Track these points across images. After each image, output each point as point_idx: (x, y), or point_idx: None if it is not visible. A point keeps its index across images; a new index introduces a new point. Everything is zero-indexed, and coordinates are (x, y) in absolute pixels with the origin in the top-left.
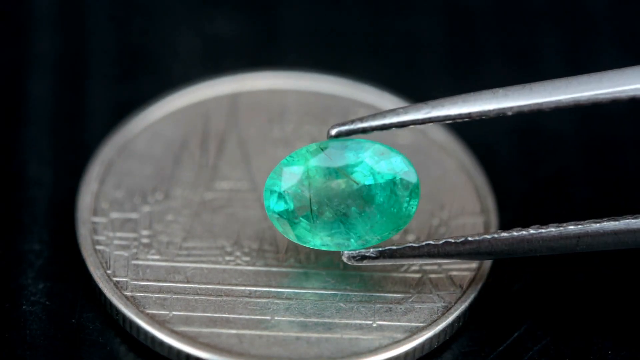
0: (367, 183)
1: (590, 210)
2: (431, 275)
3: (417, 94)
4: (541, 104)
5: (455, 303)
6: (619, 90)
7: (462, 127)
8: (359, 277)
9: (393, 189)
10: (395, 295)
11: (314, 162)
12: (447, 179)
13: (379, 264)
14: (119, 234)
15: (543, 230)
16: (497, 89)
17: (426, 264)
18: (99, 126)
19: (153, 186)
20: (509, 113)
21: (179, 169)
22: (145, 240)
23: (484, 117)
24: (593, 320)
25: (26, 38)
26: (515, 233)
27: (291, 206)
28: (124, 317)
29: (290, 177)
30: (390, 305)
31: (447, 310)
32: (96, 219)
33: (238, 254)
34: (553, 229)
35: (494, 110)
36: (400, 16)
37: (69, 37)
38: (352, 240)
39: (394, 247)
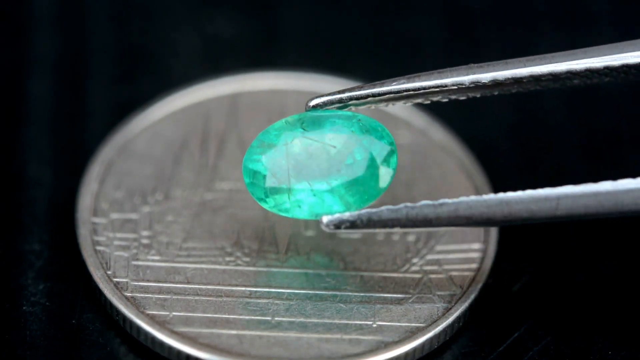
0: (345, 153)
1: None
2: (431, 275)
3: None
4: (515, 73)
5: (456, 303)
6: (591, 60)
7: (461, 128)
8: (359, 278)
9: (372, 157)
10: (395, 295)
11: (291, 133)
12: (447, 179)
13: (358, 230)
14: (119, 235)
15: (521, 193)
16: (473, 64)
17: (426, 265)
18: (99, 126)
19: (153, 186)
20: (485, 81)
21: (179, 169)
22: (145, 241)
23: (459, 87)
24: (593, 321)
25: (26, 38)
26: (493, 196)
27: (270, 178)
28: (124, 318)
29: (268, 149)
30: (390, 306)
31: (447, 310)
32: (96, 220)
33: (238, 254)
34: (531, 191)
35: (468, 79)
36: (400, 16)
37: (69, 37)
38: (331, 209)
39: (372, 211)
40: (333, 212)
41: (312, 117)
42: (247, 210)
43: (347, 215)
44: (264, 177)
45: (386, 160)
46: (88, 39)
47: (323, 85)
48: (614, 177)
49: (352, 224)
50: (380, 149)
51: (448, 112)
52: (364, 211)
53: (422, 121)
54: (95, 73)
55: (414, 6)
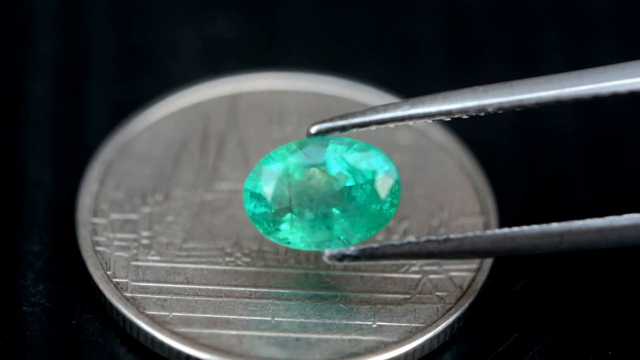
0: (347, 182)
1: (591, 210)
2: (431, 276)
3: (417, 94)
4: (521, 100)
5: (455, 304)
6: (600, 86)
7: (461, 128)
8: (359, 278)
9: (374, 187)
10: (395, 296)
11: (293, 160)
12: (447, 180)
13: (361, 263)
14: (119, 235)
15: (526, 228)
16: (477, 86)
17: (426, 265)
18: (99, 127)
19: (153, 187)
20: (490, 110)
21: (178, 170)
22: (145, 241)
23: (464, 114)
24: (593, 321)
25: (26, 38)
26: (497, 231)
27: (271, 207)
28: (124, 318)
29: (270, 177)
30: (390, 306)
31: (447, 311)
32: (96, 220)
33: (238, 254)
34: (536, 227)
35: (473, 107)
36: (401, 17)
37: (69, 38)
38: (333, 239)
39: (375, 246)
40: (334, 242)
41: (314, 143)
42: None
43: (350, 249)
44: (265, 203)
45: (389, 189)
46: (88, 39)
47: (323, 86)
48: (615, 179)
49: (355, 258)
50: (382, 178)
51: None
52: (367, 246)
53: (422, 122)
54: (95, 73)
55: (414, 6)
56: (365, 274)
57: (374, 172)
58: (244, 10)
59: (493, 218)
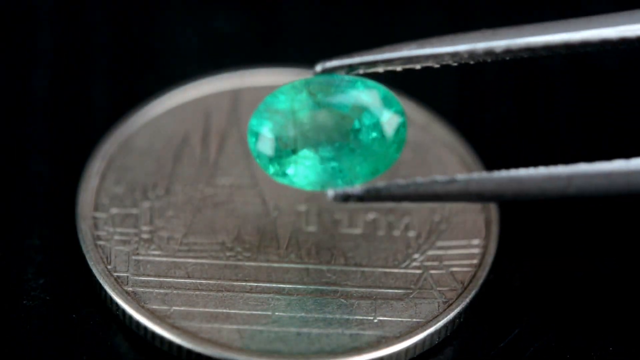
0: (354, 122)
1: (591, 207)
2: (432, 271)
3: (417, 92)
4: (529, 42)
5: (456, 299)
6: (608, 30)
7: (463, 123)
8: (360, 273)
9: (380, 128)
10: (396, 291)
11: (299, 98)
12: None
13: (365, 204)
14: (119, 230)
15: (532, 171)
16: (485, 29)
17: (427, 260)
18: (100, 122)
19: (154, 182)
20: (497, 51)
21: (179, 165)
22: (145, 236)
23: (472, 59)
24: (594, 316)
25: (27, 34)
26: (504, 173)
27: (277, 146)
28: (125, 313)
29: (275, 115)
30: (391, 301)
31: (448, 306)
32: (97, 215)
33: (239, 249)
34: (543, 169)
35: (482, 48)
36: (401, 14)
37: (70, 33)
38: (339, 179)
39: (380, 186)
40: (339, 183)
41: (320, 81)
42: (247, 205)
43: (354, 188)
44: (270, 141)
45: (396, 129)
46: (89, 35)
47: None
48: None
49: (360, 198)
50: (389, 118)
51: (449, 108)
52: (372, 185)
53: (424, 117)
54: (97, 68)
55: (415, 2)
56: (366, 269)
57: (381, 112)
58: (245, 6)
59: (494, 214)
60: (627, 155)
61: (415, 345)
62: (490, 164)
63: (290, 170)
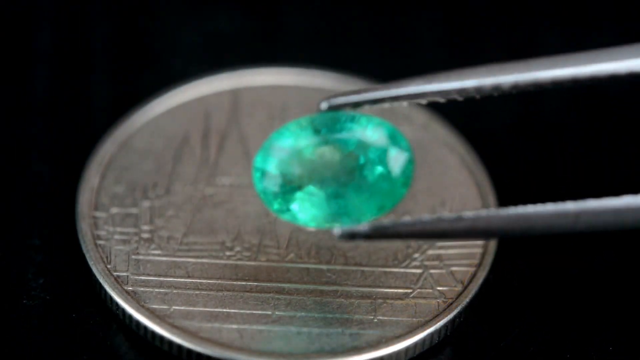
0: (359, 159)
1: None
2: (432, 270)
3: None
4: (537, 78)
5: (456, 299)
6: (617, 65)
7: (463, 123)
8: (359, 273)
9: (386, 165)
10: (396, 290)
11: (304, 137)
12: (449, 175)
13: (371, 242)
14: (119, 229)
15: (541, 207)
16: (492, 64)
17: (427, 260)
18: (100, 121)
19: (154, 181)
20: (505, 88)
21: (179, 165)
22: (145, 235)
23: (479, 93)
24: (594, 316)
25: (27, 33)
26: (512, 210)
27: (282, 185)
28: (125, 312)
29: (280, 153)
30: (391, 301)
31: (448, 306)
32: (97, 214)
33: (239, 249)
34: (551, 206)
35: (489, 83)
36: (401, 12)
37: (70, 32)
38: (344, 217)
39: (386, 225)
40: (344, 219)
41: (325, 118)
42: (247, 205)
43: (361, 227)
44: (275, 178)
45: (402, 166)
46: (89, 34)
47: (324, 82)
48: (617, 178)
49: (367, 236)
50: (395, 154)
51: (449, 107)
52: (378, 223)
53: (424, 116)
54: (96, 68)
55: (415, 1)
56: (366, 269)
57: (386, 150)
58: (245, 6)
59: None
60: (636, 190)
61: (415, 345)
62: (490, 164)
63: (294, 206)
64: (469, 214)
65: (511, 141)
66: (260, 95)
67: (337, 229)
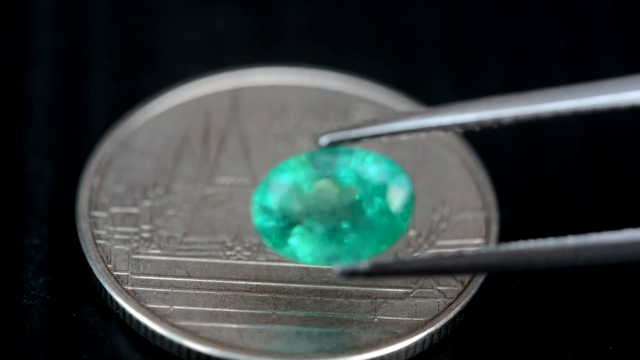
0: (358, 195)
1: (592, 206)
2: None
3: (417, 90)
4: (538, 112)
5: (457, 298)
6: (618, 98)
7: None
8: None
9: (385, 201)
10: (396, 290)
11: (303, 172)
12: (449, 175)
13: (373, 279)
14: (119, 229)
15: (541, 243)
16: (493, 97)
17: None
18: (100, 121)
19: (154, 181)
20: (506, 121)
21: (179, 164)
22: (145, 235)
23: (479, 127)
24: (595, 316)
25: (26, 33)
26: (512, 246)
27: (280, 220)
28: (125, 312)
29: (279, 189)
30: (391, 301)
31: (448, 305)
32: (97, 214)
33: (239, 248)
34: (551, 242)
35: (490, 118)
36: (401, 12)
37: (70, 33)
38: (343, 254)
39: (387, 262)
40: (343, 256)
41: (323, 155)
42: (247, 204)
43: (361, 265)
44: (274, 214)
45: (402, 201)
46: (89, 34)
47: (324, 81)
48: (616, 175)
49: (367, 274)
50: (395, 190)
51: None
52: (378, 261)
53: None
54: (96, 68)
55: (415, 1)
56: None
57: (385, 185)
58: (245, 5)
59: (494, 213)
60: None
61: (415, 345)
62: (490, 164)
63: (293, 241)
64: (469, 251)
65: (511, 141)
66: (260, 95)
67: (337, 267)
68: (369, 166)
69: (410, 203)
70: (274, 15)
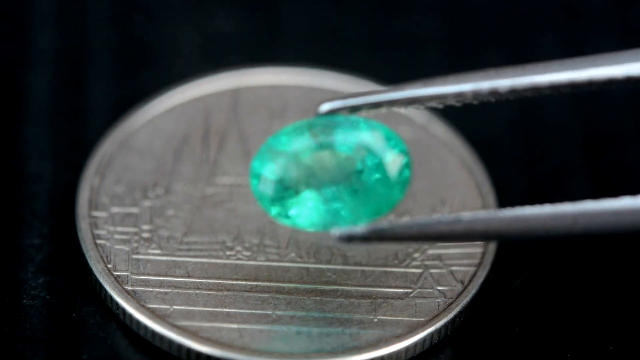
0: (356, 163)
1: None
2: (432, 270)
3: None
4: (534, 82)
5: (457, 298)
6: (614, 69)
7: (462, 122)
8: (360, 272)
9: (383, 169)
10: (396, 290)
11: (301, 141)
12: (448, 175)
13: (370, 244)
14: (119, 229)
15: (538, 209)
16: (489, 69)
17: (427, 260)
18: (100, 121)
19: (154, 181)
20: (502, 91)
21: (179, 164)
22: (145, 235)
23: (476, 99)
24: (595, 316)
25: (26, 33)
26: (509, 212)
27: (279, 188)
28: (125, 312)
29: (278, 157)
30: (392, 301)
31: (448, 305)
32: (96, 214)
33: (239, 248)
34: (549, 208)
35: (487, 88)
36: (401, 12)
37: (70, 32)
38: (341, 221)
39: (384, 227)
40: (342, 224)
41: (322, 122)
42: (247, 204)
43: (358, 229)
44: (272, 183)
45: (399, 170)
46: (89, 34)
47: (324, 81)
48: (616, 174)
49: (364, 238)
50: (392, 158)
51: (449, 107)
52: (376, 226)
53: (423, 116)
54: (96, 68)
55: (415, 2)
56: (366, 268)
57: (384, 153)
58: (245, 5)
59: None
60: (634, 191)
61: (415, 345)
62: (490, 164)
63: (292, 212)
64: (466, 215)
65: (511, 141)
66: (260, 95)
67: (334, 231)
68: (368, 135)
69: (408, 172)
70: (274, 15)
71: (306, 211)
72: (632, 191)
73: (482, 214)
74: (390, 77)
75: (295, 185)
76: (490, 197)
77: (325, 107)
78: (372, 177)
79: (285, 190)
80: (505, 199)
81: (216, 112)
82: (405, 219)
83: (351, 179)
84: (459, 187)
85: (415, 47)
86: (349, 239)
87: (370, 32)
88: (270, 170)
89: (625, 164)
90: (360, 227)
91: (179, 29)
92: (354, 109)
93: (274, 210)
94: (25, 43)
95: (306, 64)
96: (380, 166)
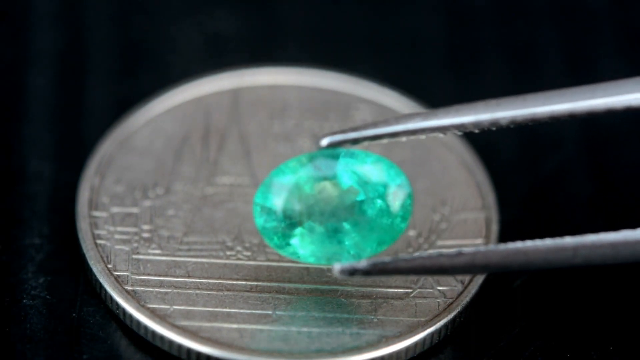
0: (358, 196)
1: (591, 206)
2: None
3: (417, 90)
4: (535, 113)
5: (457, 299)
6: (613, 100)
7: None
8: None
9: (385, 201)
10: (396, 290)
11: (304, 173)
12: (448, 175)
13: (372, 277)
14: (119, 229)
15: (539, 242)
16: (490, 99)
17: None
18: (100, 121)
19: (154, 181)
20: (503, 123)
21: (179, 164)
22: (146, 235)
23: (477, 128)
24: (595, 316)
25: (26, 33)
26: (510, 245)
27: (282, 221)
28: (125, 312)
29: (281, 190)
30: (392, 301)
31: (448, 305)
32: (97, 214)
33: (239, 248)
34: (549, 241)
35: (487, 120)
36: (402, 12)
37: (70, 32)
38: (344, 253)
39: (386, 261)
40: (344, 255)
41: (324, 156)
42: (248, 204)
43: (361, 263)
44: (275, 214)
45: (401, 202)
46: (88, 34)
47: (324, 81)
48: (616, 175)
49: (366, 272)
50: (394, 190)
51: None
52: (378, 260)
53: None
54: (96, 68)
55: (415, 2)
56: None
57: (385, 186)
58: (245, 5)
59: (494, 213)
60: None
61: (415, 345)
62: (490, 164)
63: (294, 242)
64: (468, 250)
65: (511, 141)
66: (260, 95)
67: (337, 266)
68: (369, 167)
69: (410, 204)
70: (274, 15)
71: (309, 243)
72: (632, 191)
73: (483, 248)
74: (390, 77)
75: (298, 216)
76: (490, 197)
77: (326, 140)
78: (375, 208)
79: (288, 221)
80: (505, 199)
81: (216, 112)
82: (407, 253)
83: (353, 212)
84: (459, 187)
85: (415, 47)
86: (351, 273)
87: (370, 32)
88: (272, 201)
89: (625, 165)
90: (362, 262)
91: (179, 29)
92: (355, 142)
93: (276, 241)
94: (25, 43)
95: (306, 64)
96: (382, 198)
